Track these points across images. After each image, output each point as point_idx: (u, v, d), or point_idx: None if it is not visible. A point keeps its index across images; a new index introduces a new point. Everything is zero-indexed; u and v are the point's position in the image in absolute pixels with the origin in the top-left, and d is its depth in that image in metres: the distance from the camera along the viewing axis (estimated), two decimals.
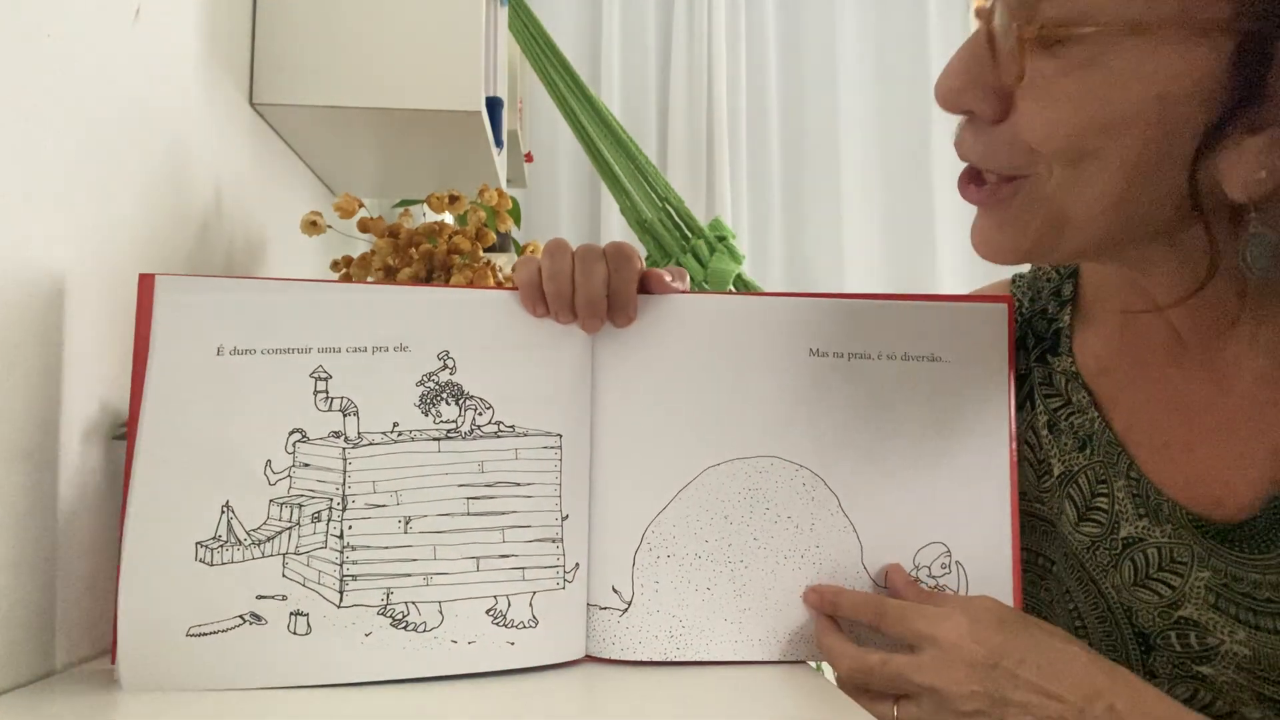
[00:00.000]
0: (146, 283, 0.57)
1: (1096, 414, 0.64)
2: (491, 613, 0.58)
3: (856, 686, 0.58)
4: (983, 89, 0.52)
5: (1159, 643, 0.60)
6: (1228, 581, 0.57)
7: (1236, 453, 0.57)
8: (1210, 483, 0.58)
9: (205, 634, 0.54)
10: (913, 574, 0.62)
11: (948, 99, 0.53)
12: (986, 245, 0.56)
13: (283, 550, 0.56)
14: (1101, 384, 0.64)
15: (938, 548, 0.63)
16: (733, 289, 1.85)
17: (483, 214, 0.99)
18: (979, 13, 0.52)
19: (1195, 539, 0.58)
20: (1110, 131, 0.48)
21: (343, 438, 0.58)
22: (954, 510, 0.63)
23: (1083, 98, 0.48)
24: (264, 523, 0.56)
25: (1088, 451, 0.64)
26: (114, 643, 0.53)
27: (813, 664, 0.62)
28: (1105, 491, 0.62)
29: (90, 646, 0.60)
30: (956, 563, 0.63)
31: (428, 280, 0.95)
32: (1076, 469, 0.64)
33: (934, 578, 0.63)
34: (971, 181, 0.56)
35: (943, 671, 0.54)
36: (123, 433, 0.63)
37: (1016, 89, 0.50)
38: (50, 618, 0.56)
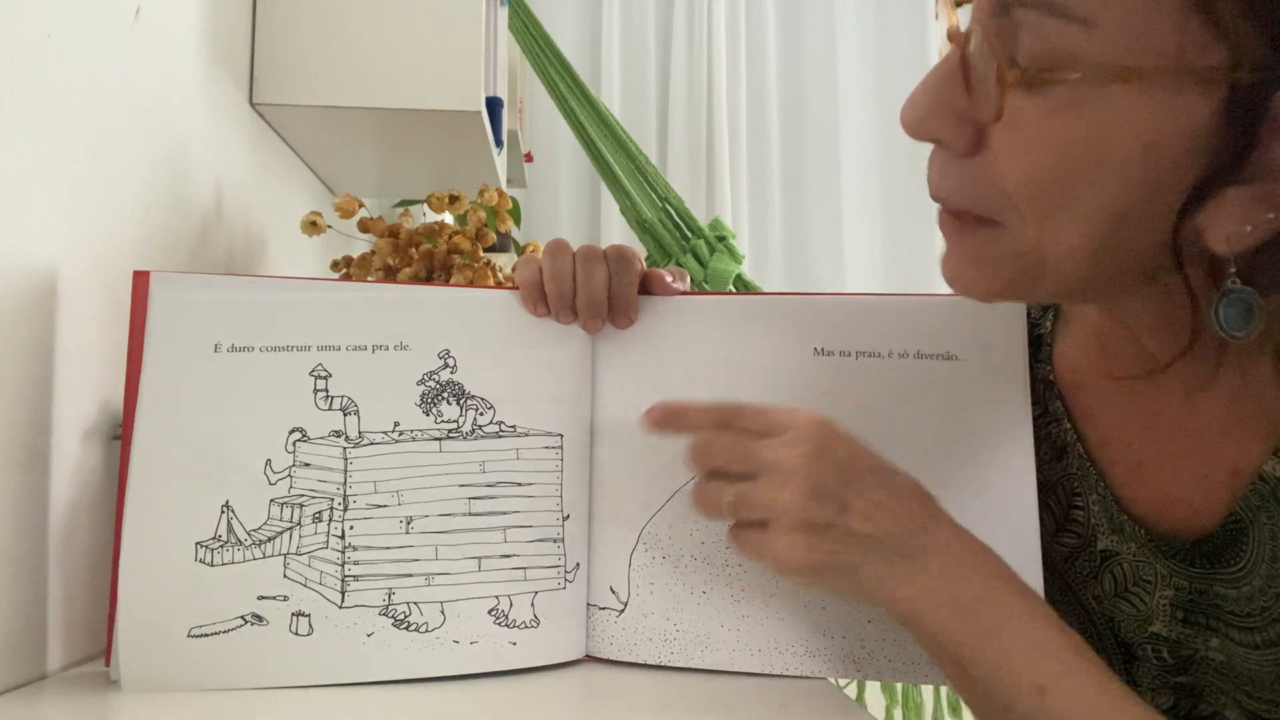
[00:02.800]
0: (141, 280, 0.56)
1: (1069, 425, 0.62)
2: (494, 613, 0.58)
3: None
4: (954, 119, 0.48)
5: (1139, 653, 0.60)
6: (1194, 597, 0.56)
7: (1201, 474, 0.56)
8: (1179, 502, 0.57)
9: (206, 635, 0.54)
10: None
11: (915, 127, 0.49)
12: (958, 282, 0.52)
13: (284, 550, 0.56)
14: (1077, 396, 0.63)
15: None
16: (733, 289, 1.84)
17: (483, 214, 0.99)
18: (952, 36, 0.48)
19: (1157, 559, 0.57)
20: (1091, 180, 0.45)
21: (343, 437, 0.57)
22: (975, 515, 0.59)
23: (1064, 143, 0.44)
24: (265, 523, 0.56)
25: (1064, 462, 0.62)
26: (108, 645, 0.53)
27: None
28: (1081, 504, 0.61)
29: (85, 649, 0.60)
30: None
31: (428, 280, 0.95)
32: (1055, 479, 0.63)
33: None
34: (946, 216, 0.52)
35: (795, 454, 0.52)
36: (120, 433, 0.62)
37: (992, 126, 0.47)
38: (44, 620, 0.56)
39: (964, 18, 0.50)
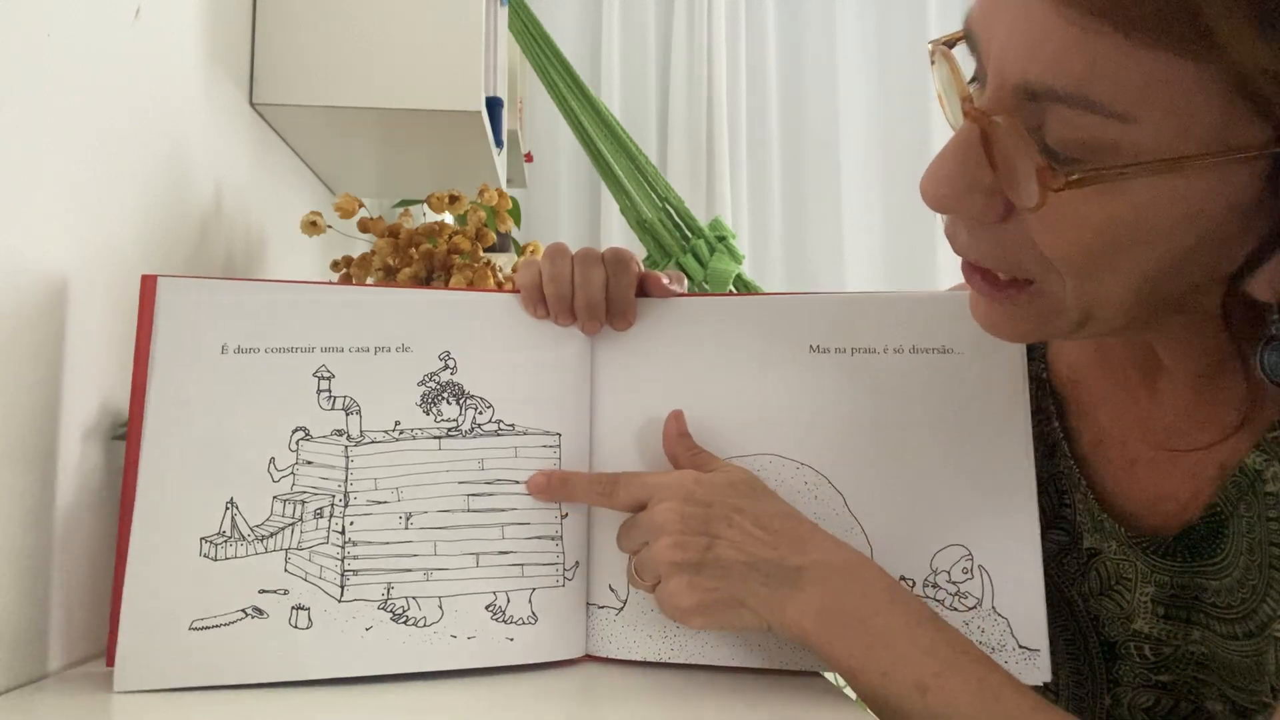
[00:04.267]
0: (149, 284, 0.57)
1: (1058, 424, 0.63)
2: (491, 608, 0.58)
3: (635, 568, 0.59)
4: (980, 195, 0.47)
5: (1122, 652, 0.60)
6: (1175, 591, 0.56)
7: (1192, 472, 0.56)
8: (1168, 498, 0.57)
9: (207, 627, 0.54)
10: (931, 579, 0.59)
11: (940, 204, 0.48)
12: (994, 328, 0.53)
13: (285, 545, 0.56)
14: (1073, 393, 0.63)
15: (958, 550, 0.59)
16: (733, 289, 1.85)
17: (483, 214, 0.99)
18: (968, 113, 0.46)
19: (1137, 556, 0.58)
20: (1132, 250, 0.44)
21: (345, 436, 0.58)
22: (974, 510, 0.59)
23: (1104, 222, 0.43)
24: (267, 518, 0.56)
25: (1054, 460, 0.63)
26: (110, 645, 0.53)
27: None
28: (1069, 502, 0.62)
29: (86, 649, 0.60)
30: (979, 567, 0.59)
31: (428, 280, 0.96)
32: (1046, 477, 0.63)
33: (954, 583, 0.59)
34: (977, 273, 0.51)
35: (661, 510, 0.56)
36: (122, 433, 0.63)
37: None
38: (46, 620, 0.56)
39: (959, 56, 0.48)
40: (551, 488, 0.60)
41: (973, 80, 0.47)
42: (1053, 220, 0.45)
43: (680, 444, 0.61)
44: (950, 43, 0.48)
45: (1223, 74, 0.39)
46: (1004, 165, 0.45)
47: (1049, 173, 0.42)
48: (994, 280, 0.50)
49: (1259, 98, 0.39)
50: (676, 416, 0.62)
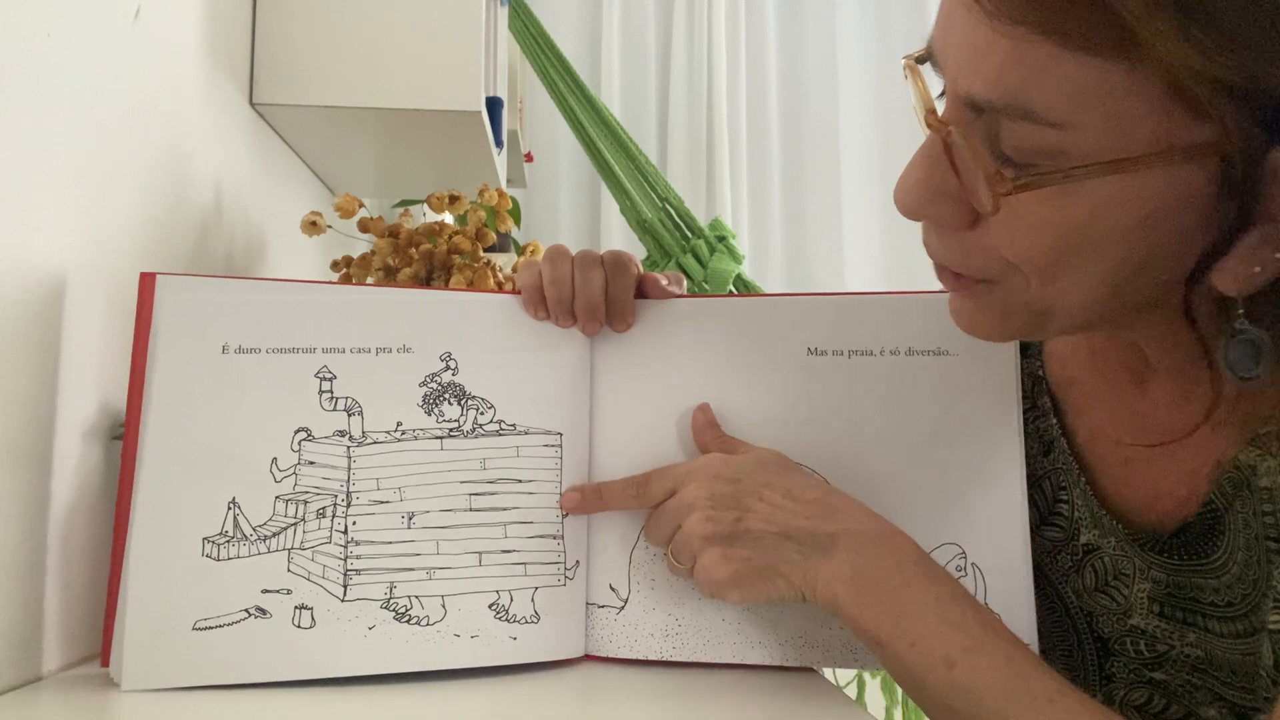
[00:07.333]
0: (147, 282, 0.57)
1: (1056, 421, 0.63)
2: (494, 607, 0.58)
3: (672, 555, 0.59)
4: (947, 202, 0.48)
5: (1116, 648, 0.60)
6: (1171, 590, 0.57)
7: (1188, 469, 0.56)
8: (1165, 496, 0.58)
9: (211, 627, 0.54)
10: None
11: (910, 211, 0.50)
12: (968, 325, 0.54)
13: (288, 545, 0.56)
14: (1068, 392, 0.64)
15: (951, 549, 0.60)
16: (733, 289, 1.85)
17: (483, 214, 0.99)
18: (931, 125, 0.48)
19: (1136, 552, 0.58)
20: (1092, 252, 0.45)
21: (347, 436, 0.58)
22: (967, 509, 0.61)
23: (1062, 225, 0.45)
24: (269, 519, 0.56)
25: (1051, 457, 0.63)
26: (104, 646, 0.53)
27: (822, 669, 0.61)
28: (1066, 498, 0.62)
29: (82, 650, 0.60)
30: (973, 565, 0.60)
31: (428, 280, 0.96)
32: (1041, 473, 0.63)
33: None
34: (948, 273, 0.53)
35: (691, 490, 0.57)
36: (122, 432, 0.63)
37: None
38: (42, 620, 0.56)
39: (926, 73, 0.50)
40: (587, 502, 0.61)
41: (943, 93, 0.49)
42: (1015, 225, 0.46)
43: (709, 432, 0.62)
44: (921, 58, 0.50)
45: (1153, 76, 0.40)
46: (965, 173, 0.47)
47: (997, 178, 0.44)
48: (960, 278, 0.52)
49: (1191, 98, 0.40)
50: (704, 409, 0.63)
